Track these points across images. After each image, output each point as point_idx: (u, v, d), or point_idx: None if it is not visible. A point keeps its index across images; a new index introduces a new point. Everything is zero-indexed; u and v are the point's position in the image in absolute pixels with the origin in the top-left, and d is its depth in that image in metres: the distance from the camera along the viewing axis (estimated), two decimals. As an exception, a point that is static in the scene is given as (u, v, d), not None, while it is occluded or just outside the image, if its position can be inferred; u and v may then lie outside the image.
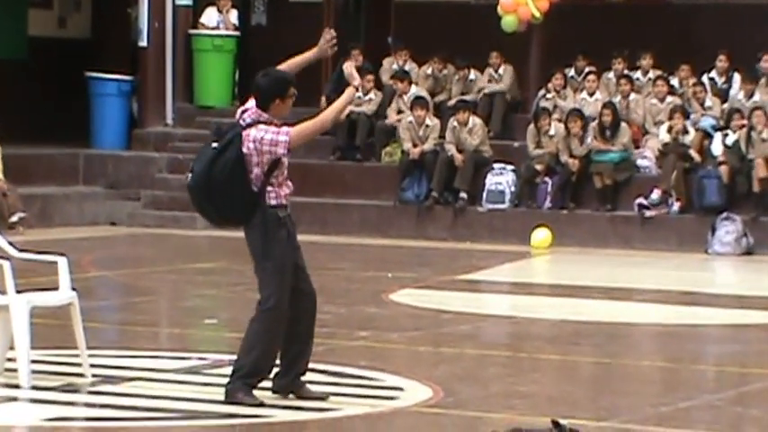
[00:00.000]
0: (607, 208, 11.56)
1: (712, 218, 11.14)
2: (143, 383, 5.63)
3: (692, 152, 11.51)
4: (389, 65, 12.93)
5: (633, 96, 12.02)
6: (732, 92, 12.03)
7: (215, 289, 8.71)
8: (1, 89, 12.58)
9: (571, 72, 12.45)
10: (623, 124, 11.72)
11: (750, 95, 11.81)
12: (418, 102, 12.00)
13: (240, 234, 11.58)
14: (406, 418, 5.24)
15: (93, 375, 5.63)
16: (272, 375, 5.26)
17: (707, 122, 11.73)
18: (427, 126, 11.94)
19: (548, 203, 11.65)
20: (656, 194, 11.44)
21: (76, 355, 5.65)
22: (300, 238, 5.32)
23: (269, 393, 5.28)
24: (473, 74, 12.58)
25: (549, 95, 12.21)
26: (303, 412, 5.20)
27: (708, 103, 11.89)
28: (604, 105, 11.74)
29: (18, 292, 5.48)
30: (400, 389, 5.63)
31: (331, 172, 12.11)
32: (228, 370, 5.49)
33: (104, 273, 9.41)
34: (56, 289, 5.65)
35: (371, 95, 12.49)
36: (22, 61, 13.27)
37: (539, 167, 11.72)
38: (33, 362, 5.49)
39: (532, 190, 11.72)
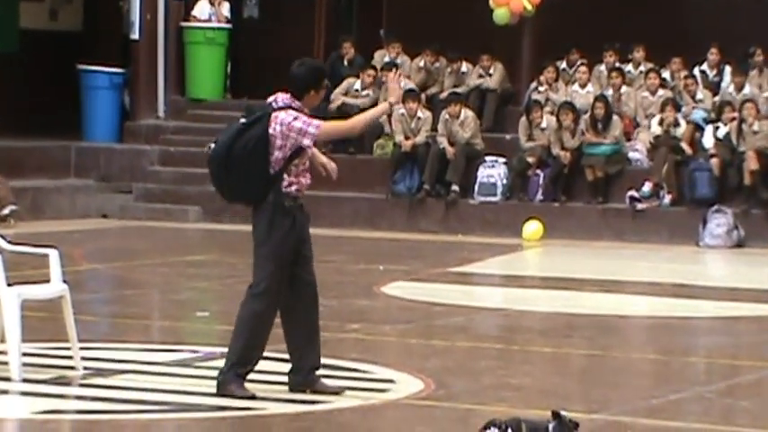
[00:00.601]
0: (599, 201, 11.58)
1: (703, 210, 11.17)
2: (134, 376, 5.63)
3: (684, 145, 11.53)
4: (381, 57, 12.92)
5: (625, 89, 12.03)
6: (723, 84, 12.06)
7: (206, 281, 8.71)
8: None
9: (563, 65, 12.46)
10: (615, 117, 11.73)
11: (741, 88, 11.84)
12: (409, 94, 12.00)
13: (231, 227, 11.57)
14: (397, 410, 5.24)
15: (85, 368, 5.63)
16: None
17: (698, 115, 11.76)
18: (419, 119, 11.94)
19: (539, 196, 11.67)
20: (647, 187, 11.46)
21: (68, 348, 5.65)
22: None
23: (262, 386, 5.28)
24: (465, 66, 12.58)
25: (540, 88, 12.23)
26: (295, 405, 5.20)
27: (699, 95, 11.91)
28: (596, 98, 11.75)
29: (9, 284, 5.48)
30: (392, 381, 5.64)
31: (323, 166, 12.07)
32: (220, 363, 5.49)
33: (96, 265, 9.40)
34: (47, 282, 5.65)
35: (369, 91, 12.47)
36: (14, 54, 13.22)
37: (530, 160, 11.73)
38: (24, 355, 5.48)
39: (524, 183, 11.73)
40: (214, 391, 5.29)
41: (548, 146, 11.76)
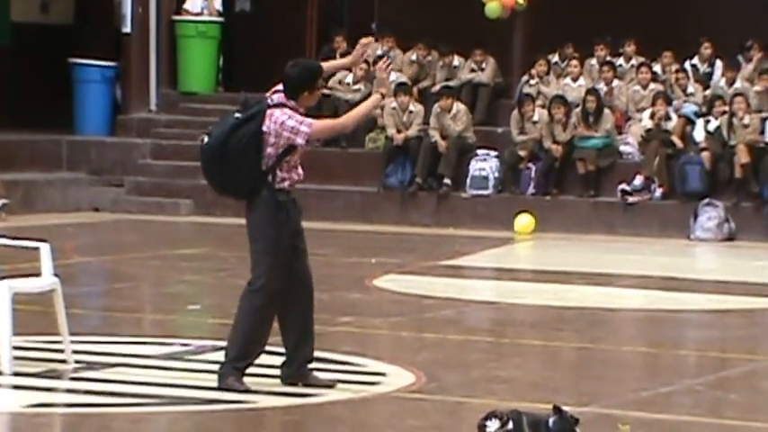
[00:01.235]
0: (590, 194, 11.60)
1: (694, 204, 11.20)
2: (126, 369, 5.62)
3: (675, 138, 11.56)
4: (374, 51, 12.90)
5: (616, 83, 12.05)
6: (714, 78, 12.08)
7: (198, 275, 8.70)
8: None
9: (555, 58, 12.47)
10: (606, 110, 11.75)
11: (732, 82, 11.86)
12: (401, 88, 12.00)
13: (223, 220, 11.54)
14: (388, 403, 5.25)
15: (76, 362, 5.62)
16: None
17: (689, 109, 11.78)
18: (411, 112, 11.94)
19: (531, 189, 11.69)
20: (638, 180, 11.49)
21: (59, 342, 5.64)
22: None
23: (259, 379, 5.28)
24: (457, 60, 12.58)
25: (532, 82, 12.23)
26: (286, 398, 5.21)
27: (690, 89, 11.94)
28: (588, 92, 11.76)
29: (0, 278, 5.47)
30: (383, 374, 5.64)
31: (315, 158, 12.08)
32: (211, 356, 5.50)
33: (87, 259, 9.39)
34: (38, 275, 5.64)
35: (361, 86, 12.47)
36: (5, 47, 13.18)
37: (522, 153, 11.74)
38: (15, 348, 5.47)
39: (516, 176, 11.75)
40: (205, 384, 5.31)
41: (539, 139, 11.77)
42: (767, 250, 10.70)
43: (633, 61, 12.34)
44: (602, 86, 12.01)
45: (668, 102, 11.69)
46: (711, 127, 11.48)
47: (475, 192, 11.72)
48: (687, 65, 12.19)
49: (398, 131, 11.94)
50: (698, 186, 11.30)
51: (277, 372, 5.35)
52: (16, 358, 5.45)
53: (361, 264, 9.26)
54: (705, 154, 11.38)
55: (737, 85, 11.82)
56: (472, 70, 12.50)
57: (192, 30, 13.18)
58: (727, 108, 11.45)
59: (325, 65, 5.38)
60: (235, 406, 5.08)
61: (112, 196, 12.31)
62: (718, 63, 12.09)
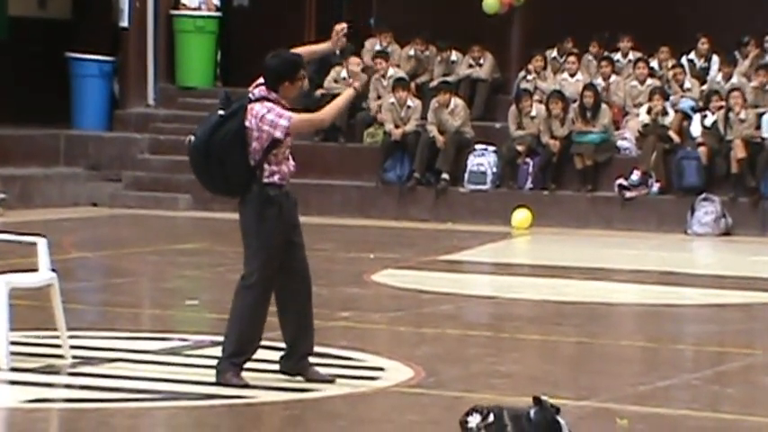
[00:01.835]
0: (588, 189, 11.60)
1: (691, 198, 11.21)
2: (123, 365, 5.62)
3: (672, 133, 11.57)
4: (372, 46, 12.91)
5: (614, 78, 12.06)
6: (711, 74, 12.09)
7: (196, 270, 8.70)
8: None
9: (554, 53, 12.46)
10: (604, 106, 11.75)
11: (728, 78, 11.87)
12: (399, 83, 11.99)
13: (222, 215, 11.54)
14: (387, 398, 5.25)
15: (73, 357, 5.61)
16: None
17: (686, 104, 11.79)
18: (409, 107, 11.94)
19: (529, 184, 11.69)
20: (636, 175, 11.49)
21: (56, 337, 5.63)
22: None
23: (258, 374, 5.28)
24: (455, 55, 12.58)
25: (529, 77, 12.23)
26: (285, 393, 5.21)
27: (687, 84, 11.94)
28: (585, 87, 11.77)
29: (-3, 273, 5.49)
30: (381, 369, 5.65)
31: (313, 153, 12.12)
32: (210, 351, 5.49)
33: (85, 254, 9.38)
34: (35, 270, 5.63)
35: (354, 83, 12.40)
36: (3, 42, 13.15)
37: (520, 148, 11.74)
38: (12, 343, 5.47)
39: (514, 171, 11.75)
40: (204, 379, 5.31)
41: (537, 134, 11.78)
42: (764, 245, 10.72)
43: (630, 57, 12.35)
44: (599, 82, 12.01)
45: (665, 97, 11.70)
46: (708, 122, 11.49)
47: (473, 187, 11.73)
48: (684, 60, 12.20)
49: (396, 126, 11.94)
50: (695, 181, 11.31)
51: (275, 366, 5.34)
52: (13, 353, 5.44)
53: (360, 259, 9.25)
54: (702, 149, 11.39)
55: (734, 80, 11.82)
56: (470, 66, 12.49)
57: (189, 24, 13.16)
58: (723, 103, 11.45)
59: (302, 50, 5.34)
60: (233, 401, 5.08)
61: (110, 191, 12.30)
62: (715, 58, 12.09)
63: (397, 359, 5.80)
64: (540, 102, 11.91)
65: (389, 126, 11.94)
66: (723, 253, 10.54)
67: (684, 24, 12.33)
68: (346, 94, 5.32)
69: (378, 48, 12.77)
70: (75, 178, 12.33)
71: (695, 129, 11.55)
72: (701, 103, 11.76)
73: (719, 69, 11.96)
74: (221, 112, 5.18)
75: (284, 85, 5.17)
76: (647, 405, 5.18)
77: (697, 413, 5.12)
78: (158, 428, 4.92)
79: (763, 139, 11.34)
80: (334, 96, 12.76)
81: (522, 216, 11.36)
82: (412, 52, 12.70)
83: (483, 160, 11.76)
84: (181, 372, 5.50)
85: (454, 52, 12.56)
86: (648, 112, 11.66)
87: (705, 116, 11.53)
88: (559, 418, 1.88)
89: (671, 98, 11.82)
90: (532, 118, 11.82)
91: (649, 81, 11.94)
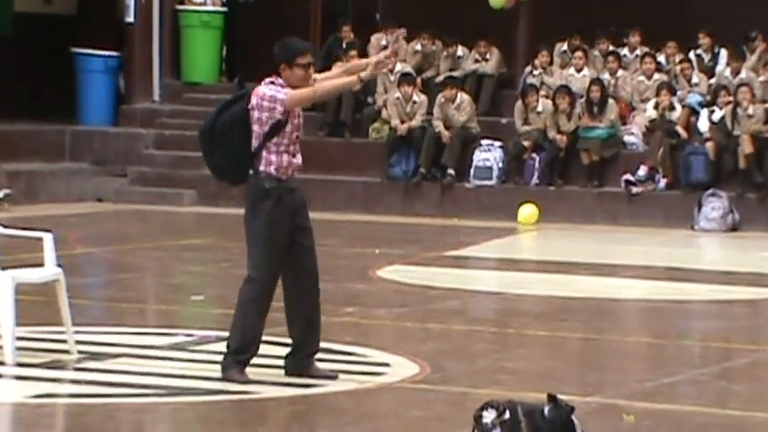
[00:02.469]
0: (594, 184, 11.57)
1: (698, 194, 11.17)
2: (129, 360, 5.62)
3: (679, 129, 11.52)
4: (378, 41, 12.88)
5: (621, 73, 12.02)
6: (719, 68, 12.04)
7: (202, 265, 8.70)
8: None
9: (564, 46, 12.42)
10: (611, 101, 11.71)
11: (737, 72, 11.82)
12: (405, 78, 11.97)
13: (227, 210, 11.52)
14: (392, 393, 5.24)
15: (79, 352, 5.61)
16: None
17: (693, 99, 11.75)
18: (414, 102, 11.92)
19: (535, 180, 11.66)
20: (642, 171, 11.46)
21: (62, 332, 5.63)
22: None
23: (263, 370, 5.26)
24: (461, 50, 12.55)
25: (535, 72, 12.20)
26: (290, 389, 5.20)
27: (694, 79, 11.90)
28: (592, 82, 11.73)
29: (3, 268, 5.46)
30: (387, 365, 5.63)
31: (318, 148, 12.10)
32: (215, 346, 5.49)
33: (91, 249, 9.38)
34: (41, 265, 5.62)
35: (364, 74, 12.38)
36: (8, 37, 13.15)
37: (526, 144, 11.71)
38: (18, 339, 5.47)
39: (520, 166, 11.72)
40: (209, 374, 5.30)
41: (543, 130, 11.75)
42: (771, 241, 10.69)
43: (638, 51, 12.30)
44: (606, 77, 11.97)
45: (672, 92, 11.66)
46: (716, 117, 11.45)
47: (479, 182, 11.70)
48: (692, 55, 12.15)
49: (402, 122, 11.91)
50: (702, 177, 11.27)
51: (281, 362, 5.33)
52: (19, 349, 5.44)
53: (365, 254, 9.24)
54: (709, 144, 11.35)
55: (742, 75, 11.77)
56: (476, 61, 12.46)
57: (195, 20, 13.14)
58: (731, 98, 11.41)
59: (328, 84, 5.30)
60: (238, 397, 5.08)
61: (116, 186, 12.30)
62: (723, 53, 12.04)
63: (402, 355, 5.79)
64: (547, 97, 11.87)
65: (395, 121, 11.91)
66: (730, 249, 10.51)
67: (692, 19, 12.28)
68: (346, 80, 5.28)
69: (383, 43, 12.74)
70: (81, 174, 12.33)
71: (703, 124, 11.50)
72: (708, 98, 11.71)
73: (728, 64, 11.91)
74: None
75: (284, 70, 5.17)
76: (654, 401, 5.16)
77: (704, 409, 5.11)
78: (164, 423, 4.91)
79: (771, 134, 11.30)
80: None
81: (528, 212, 11.34)
82: (418, 47, 12.67)
83: (489, 155, 11.73)
84: (186, 367, 5.50)
85: (460, 47, 12.53)
86: (656, 107, 11.62)
87: (713, 111, 11.48)
88: (573, 418, 1.86)
89: (678, 93, 11.77)
90: (539, 113, 11.79)
91: (657, 76, 11.90)
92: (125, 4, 13.00)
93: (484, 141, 11.81)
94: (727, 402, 5.26)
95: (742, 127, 11.32)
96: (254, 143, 5.14)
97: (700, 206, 11.15)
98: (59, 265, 5.64)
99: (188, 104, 12.87)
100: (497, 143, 11.79)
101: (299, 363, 5.26)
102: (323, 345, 5.47)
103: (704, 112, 11.56)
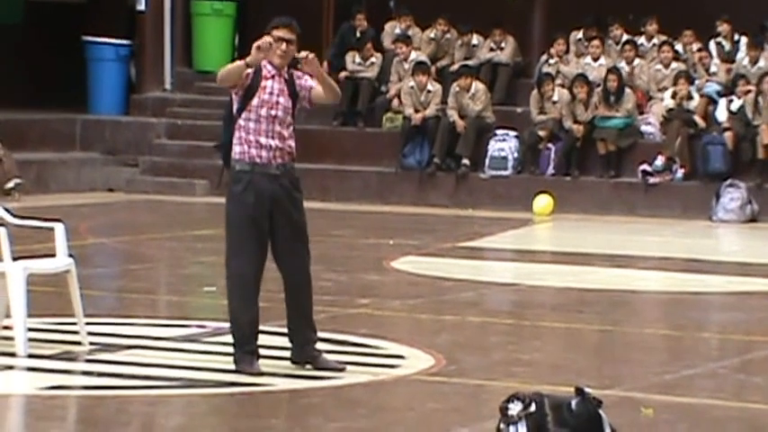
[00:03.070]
0: (611, 174, 11.47)
1: (717, 185, 11.06)
2: (141, 352, 5.57)
3: (697, 118, 11.40)
4: (392, 29, 12.78)
5: (638, 62, 11.90)
6: (738, 57, 11.91)
7: (214, 256, 8.62)
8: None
9: (579, 35, 12.30)
10: (628, 90, 11.60)
11: (755, 61, 11.68)
12: (420, 67, 11.88)
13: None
14: (407, 386, 5.19)
15: (91, 343, 5.57)
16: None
17: (711, 88, 11.62)
18: (429, 91, 11.83)
19: (551, 170, 11.57)
20: (660, 161, 11.35)
21: (74, 323, 5.58)
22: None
23: (271, 362, 5.21)
24: (476, 39, 12.44)
25: (551, 61, 12.09)
26: (304, 381, 5.15)
27: (712, 68, 11.77)
28: (609, 71, 11.62)
29: (14, 258, 5.42)
30: (402, 357, 5.58)
31: (332, 138, 12.02)
32: (228, 338, 5.43)
33: (102, 239, 9.35)
34: (53, 256, 5.58)
35: (372, 59, 12.36)
36: (19, 25, 13.10)
37: (542, 133, 11.62)
38: (30, 330, 5.42)
39: (535, 156, 11.63)
40: (222, 366, 5.25)
41: (559, 119, 11.64)
42: (790, 232, 10.57)
43: (655, 40, 12.17)
44: (623, 66, 11.85)
45: (690, 81, 11.53)
46: (734, 107, 11.32)
47: (494, 172, 11.61)
48: (712, 43, 12.01)
49: (416, 111, 11.83)
50: (720, 167, 11.15)
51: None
52: (31, 340, 5.40)
53: (379, 245, 9.17)
54: (728, 134, 11.23)
55: (761, 64, 11.63)
56: (491, 49, 12.36)
57: (207, 8, 13.07)
58: (750, 87, 11.28)
59: (229, 65, 5.13)
60: (252, 389, 5.02)
61: (127, 176, 12.25)
62: (743, 40, 11.90)
63: (417, 347, 5.73)
64: (563, 86, 11.77)
65: (409, 110, 11.83)
66: (749, 240, 10.40)
67: (709, 7, 12.13)
68: (240, 61, 5.06)
69: (398, 31, 12.64)
70: (92, 163, 12.29)
71: (721, 113, 11.38)
72: (727, 87, 11.57)
73: (747, 53, 11.77)
74: None
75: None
76: (672, 394, 5.10)
77: (723, 402, 5.04)
78: (176, 416, 4.86)
79: (790, 124, 11.17)
80: (357, 81, 12.76)
81: (543, 202, 11.24)
82: (433, 35, 12.57)
83: (504, 145, 11.64)
84: (199, 359, 5.45)
85: (475, 36, 12.43)
86: (673, 96, 11.50)
87: (731, 101, 11.36)
88: (601, 412, 1.80)
89: (696, 82, 11.65)
90: (554, 102, 11.69)
91: (674, 65, 11.77)
92: (137, -8, 12.94)
93: (499, 131, 11.71)
94: (746, 395, 5.19)
95: (762, 117, 11.19)
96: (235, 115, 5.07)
97: (718, 197, 11.03)
98: (71, 256, 5.59)
99: (200, 93, 12.81)
100: (512, 133, 11.70)
101: (301, 351, 5.19)
102: (337, 336, 5.41)
103: (722, 102, 11.43)
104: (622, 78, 11.60)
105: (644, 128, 11.65)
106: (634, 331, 6.51)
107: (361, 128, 12.16)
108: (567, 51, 12.15)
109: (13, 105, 11.85)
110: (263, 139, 5.05)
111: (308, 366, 5.19)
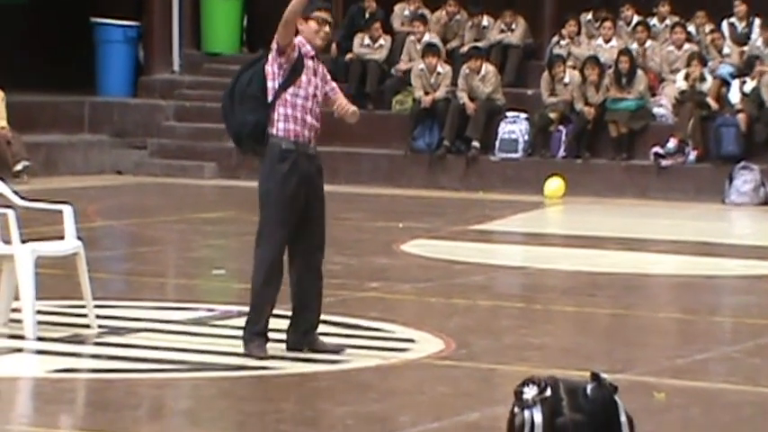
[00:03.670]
0: (623, 157, 11.40)
1: (730, 167, 10.98)
2: (150, 335, 5.54)
3: (710, 100, 11.30)
4: (401, 11, 12.69)
5: (650, 43, 11.80)
6: (752, 38, 11.78)
7: (223, 239, 8.61)
8: (5, 35, 12.40)
9: (588, 16, 12.19)
10: (639, 72, 11.50)
11: (768, 43, 11.57)
12: (430, 49, 11.80)
13: (248, 183, 11.35)
14: (417, 370, 5.15)
15: (99, 326, 5.54)
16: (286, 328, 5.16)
17: (724, 70, 11.51)
18: (439, 73, 11.75)
19: (562, 152, 11.50)
20: (672, 143, 11.26)
21: (82, 306, 5.55)
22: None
23: (280, 345, 5.18)
24: (486, 20, 12.35)
25: (563, 43, 11.99)
26: (313, 364, 5.11)
27: (725, 50, 11.65)
28: (621, 52, 11.52)
29: (23, 241, 5.39)
30: (412, 341, 5.54)
31: (341, 120, 11.87)
32: (237, 321, 5.39)
33: (110, 222, 9.32)
34: (61, 238, 5.55)
35: (381, 41, 12.29)
36: (26, 7, 13.05)
37: (553, 116, 11.53)
38: (38, 313, 5.40)
39: (546, 139, 11.56)
40: (231, 349, 5.21)
41: (570, 101, 11.56)
42: (804, 214, 10.49)
43: (667, 21, 12.06)
44: (635, 47, 11.75)
45: (703, 63, 11.42)
46: (747, 88, 11.21)
47: (504, 155, 11.54)
48: (724, 24, 11.89)
49: (426, 93, 11.76)
50: (733, 149, 11.06)
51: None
52: (40, 323, 5.37)
53: (389, 228, 9.12)
54: (741, 116, 11.13)
55: (773, 45, 11.51)
56: (502, 31, 12.27)
57: (215, -11, 13.00)
58: (765, 68, 11.16)
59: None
60: (261, 372, 4.99)
61: (135, 159, 12.22)
62: (757, 21, 11.77)
63: (427, 330, 5.69)
64: (574, 68, 11.68)
65: (419, 93, 11.76)
66: (762, 223, 10.33)
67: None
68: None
69: (407, 13, 12.54)
70: (100, 145, 12.26)
71: (734, 95, 11.28)
72: (740, 69, 11.46)
73: (761, 34, 11.65)
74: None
75: (300, 24, 5.06)
76: (685, 378, 5.05)
77: (736, 387, 4.99)
78: (184, 399, 4.83)
79: (804, 106, 11.06)
80: (365, 62, 12.66)
81: (554, 185, 11.17)
82: (442, 16, 12.47)
83: (515, 128, 11.56)
84: (208, 342, 5.41)
85: (486, 17, 12.33)
86: (686, 78, 11.40)
87: (744, 82, 11.25)
88: (617, 398, 1.76)
89: (709, 64, 11.54)
90: (566, 84, 11.60)
91: (687, 46, 11.66)
92: (145, -27, 12.87)
93: (509, 113, 11.63)
94: (759, 380, 5.13)
95: (777, 98, 11.09)
96: (270, 95, 5.02)
97: (731, 179, 10.95)
98: (79, 238, 5.56)
99: (208, 75, 12.75)
100: (523, 115, 11.62)
101: (303, 337, 5.14)
102: (347, 320, 5.37)
103: (735, 83, 11.32)
104: (634, 60, 11.51)
105: (656, 110, 11.56)
106: (646, 315, 6.45)
107: (371, 110, 12.10)
108: (579, 33, 12.05)
109: (21, 88, 11.80)
110: (308, 118, 5.06)
111: (306, 350, 5.14)
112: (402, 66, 12.05)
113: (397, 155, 11.80)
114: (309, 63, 5.09)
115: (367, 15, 12.50)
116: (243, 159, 10.93)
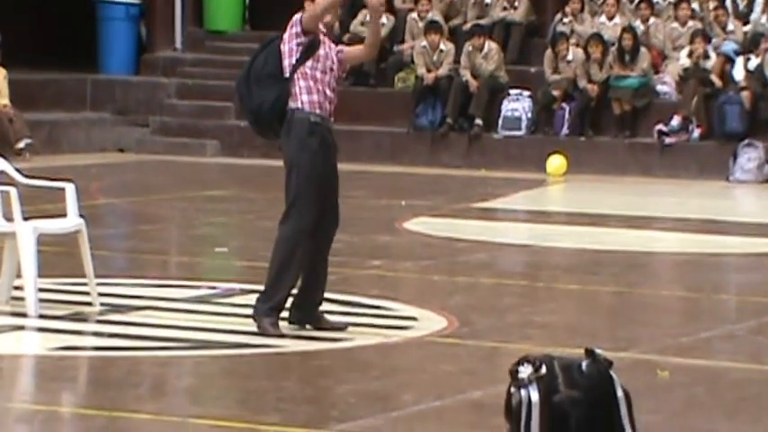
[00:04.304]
0: (626, 135, 11.34)
1: (734, 144, 10.92)
2: (152, 312, 5.54)
3: (714, 77, 11.23)
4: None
5: (653, 20, 11.71)
6: (754, 15, 11.70)
7: (225, 217, 8.59)
8: (6, 13, 12.32)
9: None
10: (643, 49, 11.43)
11: (772, 19, 11.49)
12: (432, 26, 11.72)
13: (250, 161, 11.30)
14: (419, 347, 5.15)
15: (102, 304, 5.53)
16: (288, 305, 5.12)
17: (729, 47, 11.43)
18: (441, 51, 11.68)
19: (565, 130, 11.44)
20: (676, 121, 11.20)
21: (84, 284, 5.54)
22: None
23: (281, 323, 5.18)
24: (489, -3, 12.27)
25: (566, 20, 11.91)
26: (315, 342, 5.11)
27: (730, 26, 11.57)
28: (624, 30, 11.44)
29: (25, 219, 5.39)
30: (414, 318, 5.53)
31: (343, 98, 11.73)
32: (239, 299, 5.38)
33: (113, 200, 9.31)
34: (63, 216, 5.54)
35: (384, 20, 12.20)
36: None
37: (556, 93, 11.47)
38: (40, 290, 5.39)
39: (549, 116, 11.50)
40: (233, 327, 5.21)
41: (573, 79, 11.49)
42: (808, 192, 10.45)
43: (671, -2, 11.97)
44: (638, 24, 11.67)
45: (707, 40, 11.34)
46: (752, 65, 11.14)
47: (507, 132, 11.49)
48: (728, 1, 11.80)
49: (429, 71, 11.69)
50: (737, 127, 11.01)
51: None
52: (42, 300, 5.37)
53: (391, 206, 9.10)
54: (745, 93, 11.06)
55: (778, 21, 11.43)
56: (504, 8, 12.18)
57: (217, -34, 12.92)
58: (769, 46, 11.09)
59: (347, 51, 5.25)
60: (263, 350, 4.98)
61: (138, 136, 12.19)
62: (759, -1, 11.69)
63: (429, 308, 5.68)
64: (577, 45, 11.60)
65: (421, 70, 11.70)
66: (766, 200, 10.30)
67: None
68: None
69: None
70: (102, 123, 12.22)
71: (738, 72, 11.20)
72: (744, 46, 11.38)
73: (763, 10, 11.56)
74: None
75: (308, 4, 5.06)
76: (688, 356, 5.05)
77: (740, 365, 4.99)
78: (187, 377, 4.83)
79: (808, 83, 10.99)
80: (361, 40, 12.56)
81: (557, 163, 11.13)
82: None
83: (517, 105, 11.51)
84: (210, 320, 5.41)
85: (489, -6, 12.25)
86: (689, 55, 11.32)
87: (748, 59, 11.17)
88: (612, 373, 1.75)
89: (713, 41, 11.46)
90: (569, 62, 11.53)
91: (690, 23, 11.58)
92: (147, -51, 12.79)
93: (512, 91, 11.57)
94: (763, 358, 5.14)
95: (780, 75, 11.02)
96: (287, 71, 4.99)
97: (735, 157, 10.90)
98: (81, 216, 5.54)
99: (211, 53, 12.69)
100: (526, 93, 11.56)
101: (308, 314, 5.11)
102: (349, 298, 5.35)
103: (739, 60, 11.25)
104: (638, 37, 11.43)
105: (660, 87, 11.49)
106: (650, 293, 6.44)
107: (374, 87, 12.03)
108: (582, 10, 11.97)
109: (23, 66, 11.75)
110: (328, 91, 5.05)
111: (308, 327, 5.12)
112: (405, 46, 11.96)
113: (400, 132, 11.75)
114: (324, 39, 5.11)
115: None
116: (245, 137, 10.89)
